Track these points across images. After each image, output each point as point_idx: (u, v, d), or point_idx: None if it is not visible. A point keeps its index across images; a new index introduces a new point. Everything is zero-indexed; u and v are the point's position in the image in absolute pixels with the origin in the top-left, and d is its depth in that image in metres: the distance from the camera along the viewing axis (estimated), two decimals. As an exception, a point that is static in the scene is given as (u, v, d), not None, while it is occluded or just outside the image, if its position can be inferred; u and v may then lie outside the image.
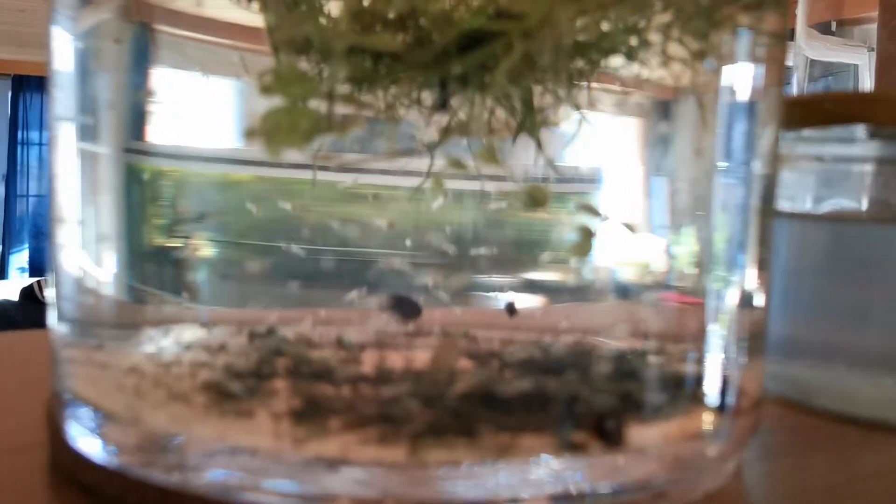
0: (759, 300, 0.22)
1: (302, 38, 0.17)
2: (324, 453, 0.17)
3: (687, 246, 0.21)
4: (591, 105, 0.19)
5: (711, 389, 0.20)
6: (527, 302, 0.21)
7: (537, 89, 0.18)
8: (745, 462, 0.22)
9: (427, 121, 0.18)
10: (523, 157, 0.19)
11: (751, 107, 0.21)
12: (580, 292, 0.20)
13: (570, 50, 0.18)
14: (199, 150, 0.21)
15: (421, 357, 0.19)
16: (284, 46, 0.17)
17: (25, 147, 3.90)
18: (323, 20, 0.18)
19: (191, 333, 0.21)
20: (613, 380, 0.20)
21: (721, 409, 0.20)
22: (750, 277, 0.21)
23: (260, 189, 0.20)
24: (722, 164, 0.21)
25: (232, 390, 0.18)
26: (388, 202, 0.20)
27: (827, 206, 0.31)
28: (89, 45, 0.21)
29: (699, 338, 0.21)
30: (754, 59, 0.21)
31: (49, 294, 0.22)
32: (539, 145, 0.19)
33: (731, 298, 0.21)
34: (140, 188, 0.21)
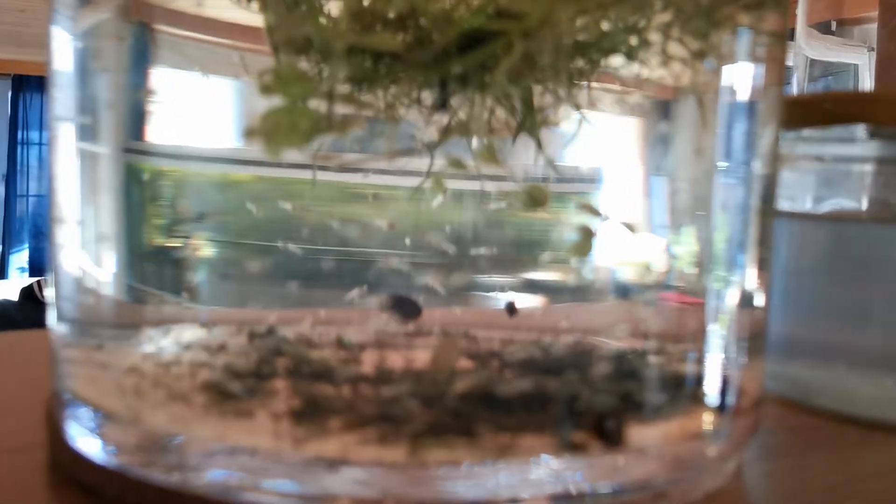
0: (759, 300, 0.22)
1: (302, 38, 0.17)
2: (324, 453, 0.17)
3: (687, 246, 0.21)
4: (592, 105, 0.19)
5: (711, 389, 0.20)
6: (527, 302, 0.21)
7: (537, 89, 0.18)
8: (745, 462, 0.22)
9: (427, 121, 0.18)
10: (523, 157, 0.19)
11: (751, 107, 0.21)
12: (580, 292, 0.20)
13: (570, 49, 0.18)
14: (198, 150, 0.21)
15: (421, 357, 0.19)
16: (284, 46, 0.17)
17: (25, 147, 3.90)
18: (323, 20, 0.18)
19: (191, 333, 0.21)
20: (613, 380, 0.19)
21: (721, 409, 0.20)
22: (750, 277, 0.21)
23: (260, 189, 0.20)
24: (722, 164, 0.21)
25: (232, 390, 0.18)
26: (388, 202, 0.20)
27: (827, 206, 0.31)
28: (89, 45, 0.21)
29: (699, 338, 0.21)
30: (754, 58, 0.21)
31: (49, 294, 0.22)
32: (539, 145, 0.19)
33: (731, 298, 0.21)
34: (140, 188, 0.21)
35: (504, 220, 0.20)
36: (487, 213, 0.20)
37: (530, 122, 0.18)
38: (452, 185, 0.19)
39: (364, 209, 0.20)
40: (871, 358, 0.28)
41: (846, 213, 0.30)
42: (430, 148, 0.18)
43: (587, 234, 0.19)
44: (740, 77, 0.20)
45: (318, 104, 0.17)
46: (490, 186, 0.19)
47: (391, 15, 0.17)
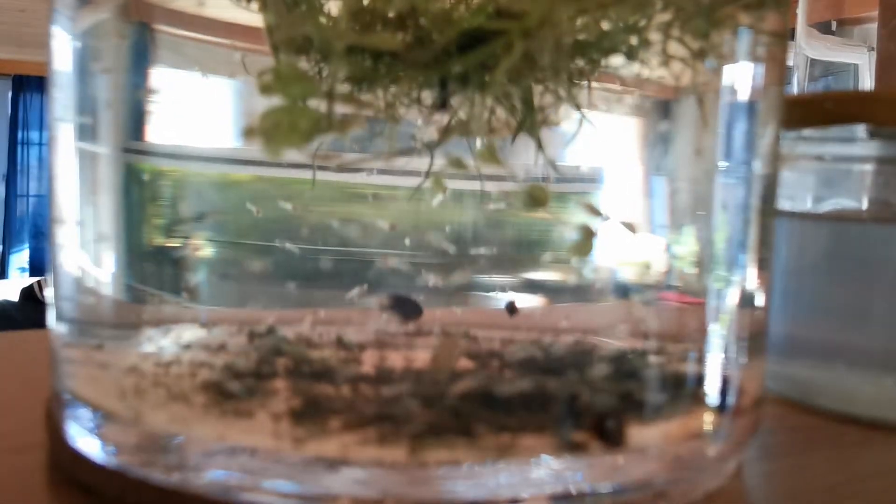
0: (760, 300, 0.22)
1: (301, 38, 0.17)
2: (324, 453, 0.17)
3: (687, 246, 0.21)
4: (592, 104, 0.19)
5: (712, 389, 0.20)
6: (527, 302, 0.21)
7: (537, 88, 0.18)
8: (745, 462, 0.22)
9: (427, 120, 0.18)
10: (523, 157, 0.19)
11: (751, 106, 0.21)
12: (580, 292, 0.20)
13: (570, 49, 0.18)
14: (198, 150, 0.21)
15: (421, 357, 0.19)
16: (284, 46, 0.17)
17: (25, 147, 3.90)
18: (322, 19, 0.18)
19: (190, 333, 0.21)
20: (614, 380, 0.19)
21: (721, 408, 0.20)
22: (750, 277, 0.21)
23: (260, 189, 0.20)
24: (722, 164, 0.21)
25: (232, 390, 0.18)
26: (388, 202, 0.20)
27: (827, 206, 0.31)
28: (89, 45, 0.21)
29: (699, 338, 0.21)
30: (755, 58, 0.21)
31: (49, 294, 0.22)
32: (539, 145, 0.19)
33: (732, 298, 0.21)
34: (139, 188, 0.21)
35: (504, 220, 0.20)
36: (487, 212, 0.20)
37: (530, 121, 0.18)
38: (452, 185, 0.19)
39: (364, 209, 0.20)
40: (872, 358, 0.28)
41: (846, 213, 0.30)
42: (430, 148, 0.18)
43: (587, 234, 0.19)
44: (740, 77, 0.20)
45: (317, 104, 0.17)
46: (490, 186, 0.19)
47: (391, 14, 0.17)
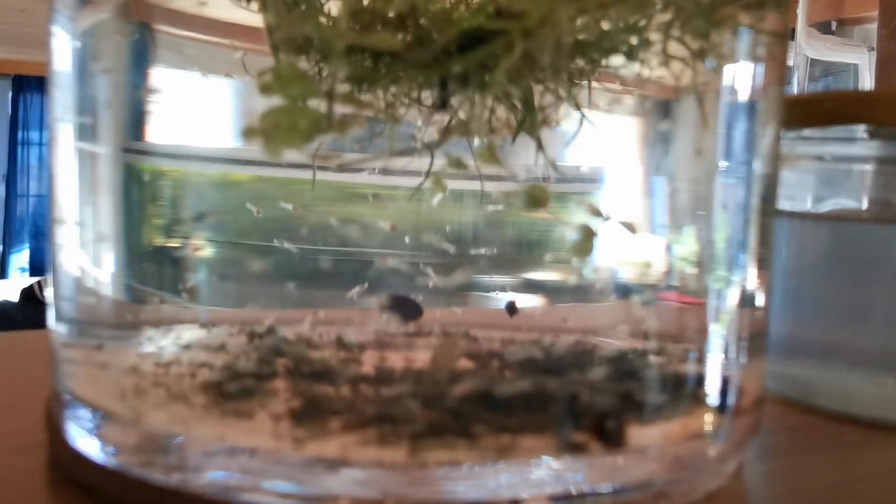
0: (760, 300, 0.22)
1: (301, 38, 0.17)
2: (324, 454, 0.17)
3: (687, 246, 0.21)
4: (592, 104, 0.19)
5: (712, 389, 0.20)
6: (527, 302, 0.21)
7: (538, 88, 0.18)
8: (745, 462, 0.22)
9: (427, 120, 0.18)
10: (524, 157, 0.19)
11: (751, 106, 0.21)
12: (581, 292, 0.20)
13: (571, 49, 0.18)
14: (198, 150, 0.21)
15: (421, 357, 0.19)
16: (284, 46, 0.17)
17: (25, 147, 3.90)
18: (322, 19, 0.17)
19: (190, 333, 0.21)
20: (614, 380, 0.19)
21: (721, 409, 0.20)
22: (750, 277, 0.21)
23: (260, 189, 0.20)
24: (722, 164, 0.21)
25: (232, 390, 0.18)
26: (388, 202, 0.20)
27: (827, 206, 0.31)
28: (89, 45, 0.21)
29: (700, 338, 0.21)
30: (755, 58, 0.21)
31: (49, 294, 0.22)
32: (539, 145, 0.19)
33: (732, 298, 0.21)
34: (139, 188, 0.21)
35: (504, 220, 0.20)
36: (488, 212, 0.20)
37: (530, 121, 0.18)
38: (452, 185, 0.19)
39: (364, 209, 0.20)
40: (872, 357, 0.28)
41: (846, 213, 0.30)
42: (430, 148, 0.18)
43: (588, 234, 0.19)
44: (741, 77, 0.20)
45: (317, 104, 0.17)
46: (490, 186, 0.19)
47: (391, 14, 0.17)
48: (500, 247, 0.20)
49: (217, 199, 0.21)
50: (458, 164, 0.18)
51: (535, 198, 0.18)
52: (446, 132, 0.18)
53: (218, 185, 0.21)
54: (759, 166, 0.21)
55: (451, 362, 0.19)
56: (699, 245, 0.21)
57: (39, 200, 3.88)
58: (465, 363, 0.20)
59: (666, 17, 0.18)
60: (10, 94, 3.84)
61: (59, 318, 0.22)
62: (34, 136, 3.89)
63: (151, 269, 0.21)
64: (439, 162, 0.18)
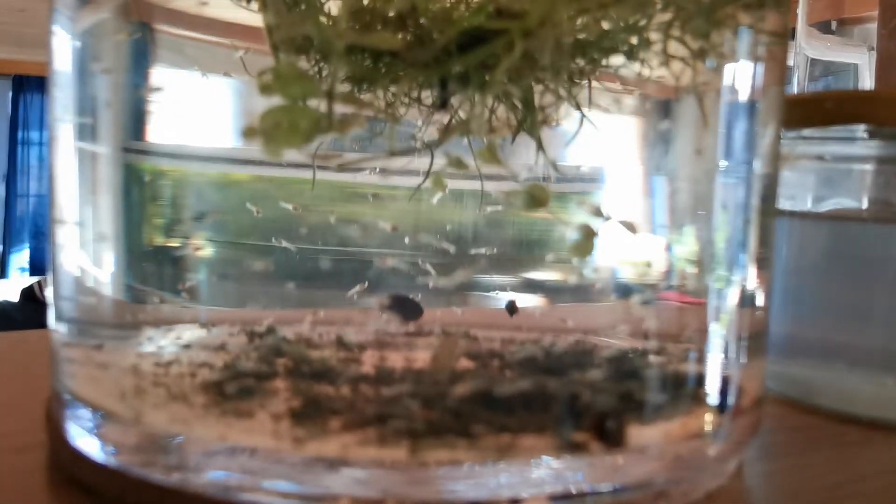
0: (760, 300, 0.22)
1: (301, 38, 0.17)
2: (324, 453, 0.17)
3: (687, 245, 0.21)
4: (592, 104, 0.19)
5: (712, 389, 0.20)
6: (527, 301, 0.21)
7: (538, 88, 0.18)
8: (745, 462, 0.22)
9: (427, 120, 0.18)
10: (524, 157, 0.19)
11: (751, 106, 0.21)
12: (581, 292, 0.20)
13: (571, 49, 0.18)
14: (198, 149, 0.21)
15: (421, 357, 0.19)
16: (284, 45, 0.17)
17: (25, 147, 3.90)
18: (322, 19, 0.17)
19: (190, 333, 0.21)
20: (614, 380, 0.19)
21: (722, 408, 0.20)
22: (750, 277, 0.21)
23: (260, 189, 0.20)
24: (723, 164, 0.21)
25: (232, 390, 0.18)
26: (388, 202, 0.20)
27: (827, 206, 0.31)
28: (89, 45, 0.21)
29: (700, 338, 0.21)
30: (755, 58, 0.21)
31: (49, 294, 0.22)
32: (540, 144, 0.19)
33: (732, 298, 0.21)
34: (139, 188, 0.21)
35: (504, 220, 0.20)
36: (488, 212, 0.20)
37: (531, 121, 0.18)
38: (453, 184, 0.19)
39: (364, 209, 0.20)
40: (872, 357, 0.28)
41: (847, 213, 0.30)
42: (431, 147, 0.18)
43: (588, 234, 0.19)
44: (741, 76, 0.20)
45: (317, 104, 0.17)
46: (490, 186, 0.19)
47: (391, 14, 0.17)
48: (501, 247, 0.20)
49: (217, 198, 0.21)
50: (458, 163, 0.18)
51: (536, 197, 0.18)
52: (446, 132, 0.18)
53: (218, 184, 0.21)
54: (759, 166, 0.21)
55: (451, 362, 0.19)
56: (699, 245, 0.21)
57: (39, 200, 3.88)
58: (465, 363, 0.20)
59: (666, 16, 0.18)
60: (10, 94, 3.84)
61: (59, 317, 0.22)
62: (34, 135, 3.89)
63: (151, 268, 0.21)
64: (439, 162, 0.18)
